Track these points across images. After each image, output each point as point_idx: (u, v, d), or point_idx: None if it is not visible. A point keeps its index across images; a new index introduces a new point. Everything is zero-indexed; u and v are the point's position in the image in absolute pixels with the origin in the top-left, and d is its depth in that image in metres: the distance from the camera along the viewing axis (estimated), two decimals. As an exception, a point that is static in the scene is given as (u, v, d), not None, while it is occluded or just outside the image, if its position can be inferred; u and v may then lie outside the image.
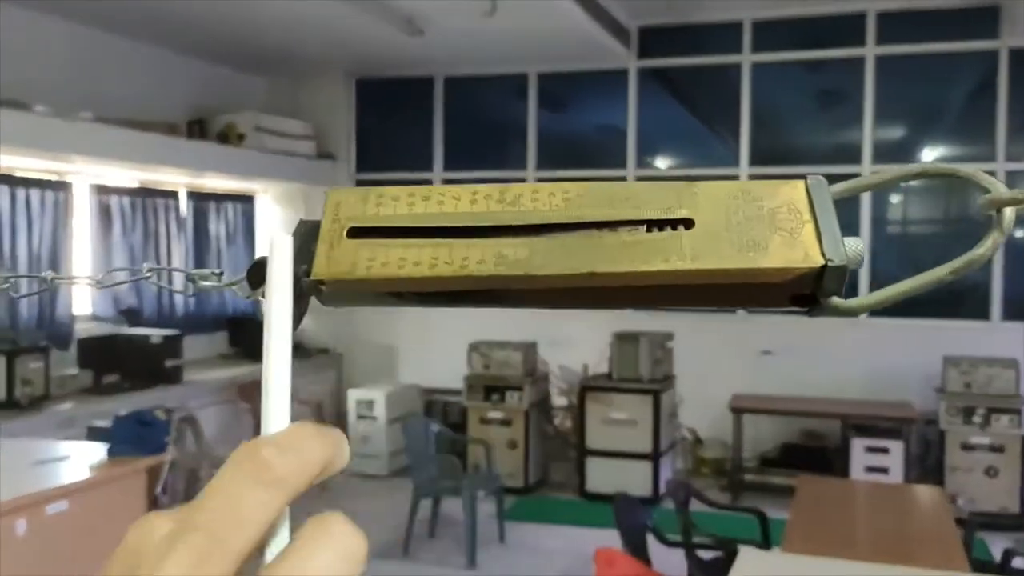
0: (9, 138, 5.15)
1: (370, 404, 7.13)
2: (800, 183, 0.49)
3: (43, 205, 6.04)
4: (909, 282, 0.47)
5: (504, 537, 5.68)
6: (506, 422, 6.63)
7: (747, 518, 4.46)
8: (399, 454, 7.08)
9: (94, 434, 3.94)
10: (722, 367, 7.05)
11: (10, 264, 5.82)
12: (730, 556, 3.63)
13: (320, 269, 0.50)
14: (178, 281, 0.74)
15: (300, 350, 7.83)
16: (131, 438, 3.78)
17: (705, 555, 4.16)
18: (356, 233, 0.50)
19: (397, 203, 0.52)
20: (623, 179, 7.48)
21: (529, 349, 6.76)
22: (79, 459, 3.70)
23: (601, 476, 6.39)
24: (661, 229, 0.47)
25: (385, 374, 7.91)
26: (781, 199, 0.47)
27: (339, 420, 7.69)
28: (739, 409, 6.51)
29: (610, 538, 4.19)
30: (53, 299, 6.11)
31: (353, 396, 7.26)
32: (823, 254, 0.46)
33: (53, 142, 5.49)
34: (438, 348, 7.66)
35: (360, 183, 8.24)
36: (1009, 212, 0.45)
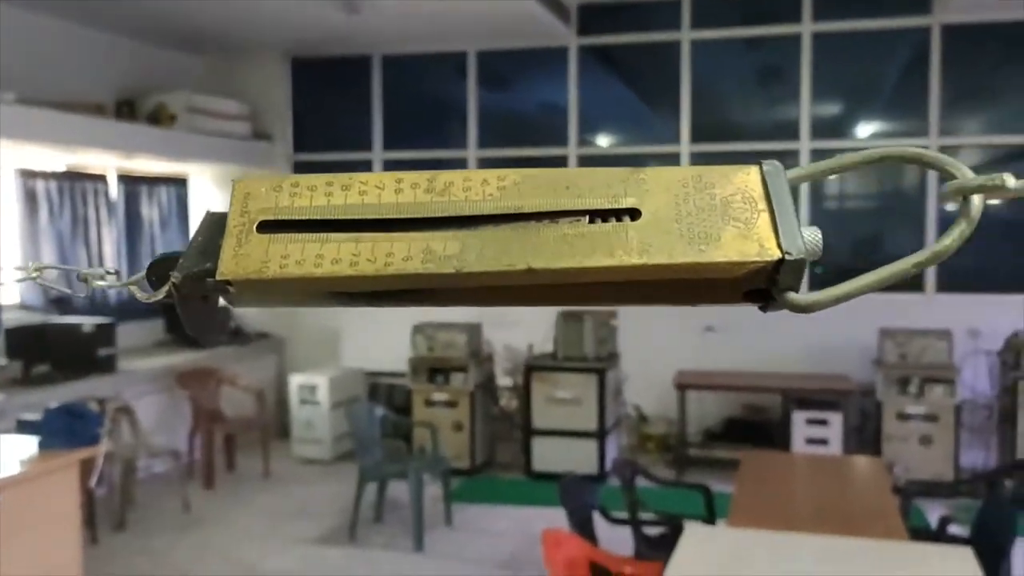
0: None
1: (313, 389, 7.03)
2: (754, 169, 0.44)
3: (-37, 190, 5.78)
4: (873, 275, 0.43)
5: (451, 519, 5.65)
6: (451, 404, 6.59)
7: (692, 493, 4.51)
8: (343, 439, 7.01)
9: (24, 427, 3.79)
10: (666, 344, 7.10)
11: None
12: (676, 532, 3.65)
13: (227, 268, 0.44)
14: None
15: (240, 335, 7.68)
16: (62, 431, 3.65)
17: (652, 531, 4.19)
18: (267, 227, 0.45)
19: (314, 193, 0.47)
20: (565, 158, 7.46)
21: (473, 330, 6.72)
22: (9, 453, 3.56)
23: (547, 455, 6.40)
24: (605, 220, 0.43)
25: (328, 358, 7.80)
26: (735, 187, 0.43)
27: (280, 406, 7.57)
28: (683, 385, 6.57)
29: (557, 517, 4.19)
30: (-23, 288, 5.88)
31: (295, 381, 7.14)
32: (780, 246, 0.42)
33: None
34: (381, 331, 7.57)
35: (298, 164, 8.08)
36: (977, 200, 0.42)
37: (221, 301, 0.55)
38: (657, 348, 7.06)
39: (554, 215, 0.43)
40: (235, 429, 6.75)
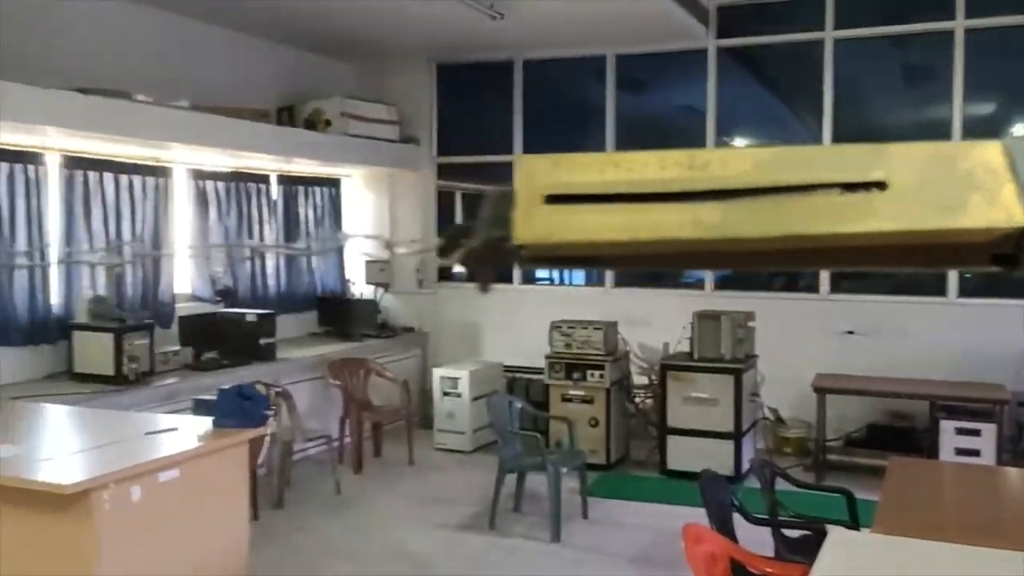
0: (113, 126, 5.41)
1: (454, 382, 7.30)
2: (995, 144, 0.51)
3: (145, 190, 6.32)
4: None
5: (587, 513, 5.77)
6: (587, 400, 6.71)
7: (833, 498, 4.44)
8: (482, 431, 7.24)
9: (200, 407, 4.14)
10: (804, 347, 6.99)
11: (116, 246, 6.12)
12: (818, 535, 3.63)
13: (521, 234, 0.56)
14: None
15: (386, 329, 8.05)
16: (234, 411, 3.96)
17: (792, 534, 4.17)
18: (552, 200, 0.56)
19: (588, 170, 0.58)
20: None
21: (610, 328, 6.81)
22: (187, 430, 3.90)
23: (682, 454, 6.43)
24: (855, 191, 0.50)
25: (469, 352, 8.06)
26: (976, 160, 0.50)
27: (423, 397, 7.88)
28: (822, 389, 6.45)
29: (692, 516, 4.19)
30: (156, 279, 6.41)
31: (438, 374, 7.43)
32: None
33: (153, 129, 5.73)
34: (520, 327, 7.77)
35: (441, 167, 8.39)
36: None
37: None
38: (795, 351, 6.96)
39: (808, 188, 0.52)
40: (382, 417, 7.09)
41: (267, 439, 4.14)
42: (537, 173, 0.55)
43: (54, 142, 5.62)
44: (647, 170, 0.53)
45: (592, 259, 0.57)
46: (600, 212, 0.54)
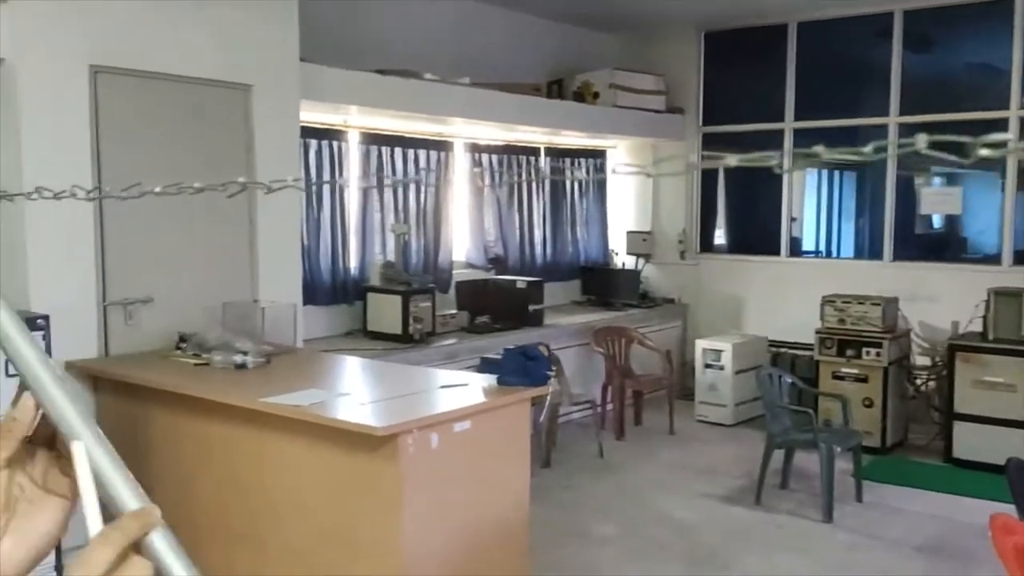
0: (405, 103, 5.85)
1: (717, 354, 7.22)
2: None
3: (428, 163, 6.78)
4: None
5: (861, 496, 5.52)
6: (861, 379, 6.38)
7: None
8: (745, 405, 7.12)
9: (486, 365, 4.41)
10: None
11: (403, 217, 6.63)
12: None
13: None
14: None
15: (647, 298, 8.11)
16: (518, 370, 4.18)
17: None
18: None
19: None
20: (1002, 121, 6.76)
21: (889, 304, 6.42)
22: (475, 386, 4.17)
23: (971, 442, 5.95)
24: None
25: (730, 325, 7.94)
26: None
27: (684, 368, 7.87)
28: None
29: (984, 508, 3.90)
30: (436, 247, 6.88)
31: (700, 345, 7.38)
32: None
33: (438, 106, 6.13)
34: (786, 301, 7.53)
35: (706, 136, 8.26)
36: None
37: None
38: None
39: None
40: (643, 386, 7.18)
41: (547, 398, 4.33)
42: None
43: (354, 120, 6.16)
44: None
45: None
46: None
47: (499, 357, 4.33)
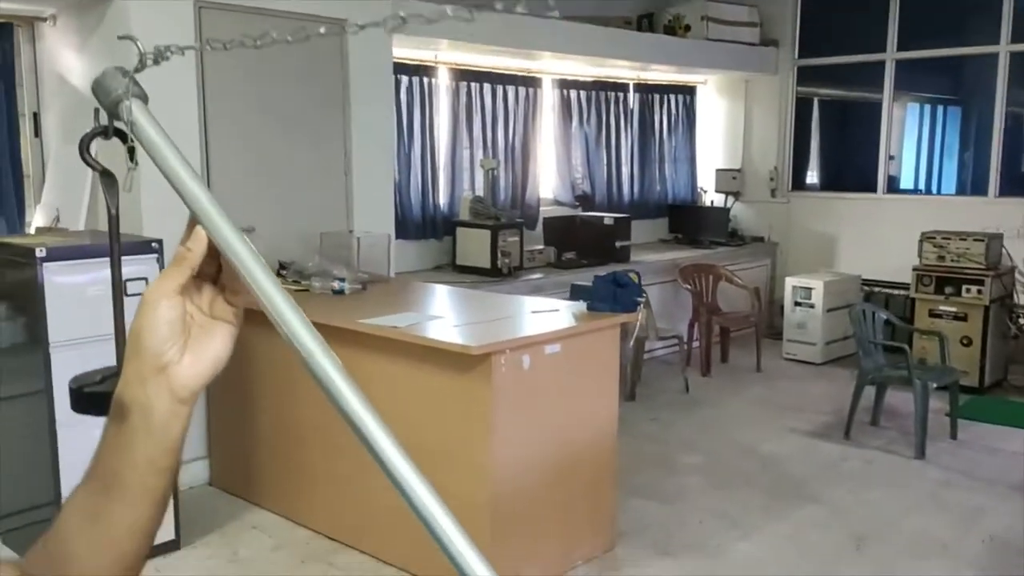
0: (496, 38, 5.85)
1: (808, 292, 7.11)
2: None
3: (517, 99, 6.79)
4: None
5: (956, 434, 5.42)
6: (960, 317, 6.21)
7: None
8: (835, 343, 7.03)
9: (576, 292, 4.48)
10: None
11: (491, 153, 6.68)
12: None
13: None
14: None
15: (736, 237, 8.01)
16: (608, 296, 4.22)
17: None
18: None
19: None
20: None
21: (993, 240, 6.21)
22: (566, 312, 4.24)
23: (1075, 383, 5.75)
24: None
25: (822, 264, 7.79)
26: None
27: (772, 307, 7.78)
28: None
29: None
30: (524, 184, 6.92)
31: (790, 283, 7.27)
32: None
33: (527, 39, 6.11)
34: (881, 239, 7.34)
35: (801, 70, 8.03)
36: None
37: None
38: None
39: None
40: (730, 323, 7.14)
41: (636, 325, 4.37)
42: None
43: (444, 55, 6.21)
44: None
45: None
46: None
47: (589, 284, 4.38)
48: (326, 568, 3.85)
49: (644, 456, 5.13)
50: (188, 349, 0.68)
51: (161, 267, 4.16)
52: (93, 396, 1.40)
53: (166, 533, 3.94)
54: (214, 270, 0.70)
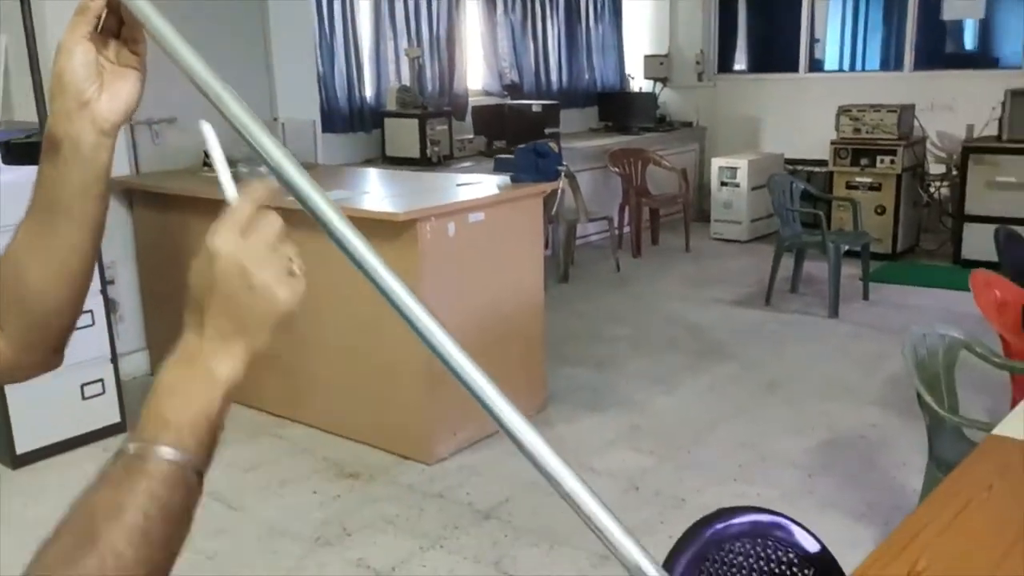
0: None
1: (733, 171, 7.30)
2: None
3: (440, -14, 6.71)
4: None
5: (868, 295, 5.71)
6: (874, 187, 6.47)
7: None
8: (759, 221, 7.26)
9: (499, 164, 4.58)
10: None
11: (415, 43, 6.63)
12: None
13: None
14: None
15: (664, 122, 8.13)
16: (530, 166, 4.34)
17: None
18: None
19: None
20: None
21: (905, 111, 6.43)
22: (490, 183, 4.34)
23: (980, 243, 6.04)
24: None
25: (747, 146, 7.97)
26: None
27: (701, 192, 7.97)
28: None
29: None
30: (451, 74, 6.90)
31: (716, 163, 7.46)
32: None
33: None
34: (804, 118, 7.53)
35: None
36: None
37: None
38: None
39: None
40: (659, 205, 7.32)
41: (558, 193, 4.49)
42: None
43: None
44: None
45: None
46: None
47: (511, 157, 4.48)
48: (275, 440, 3.99)
49: (575, 330, 5.33)
50: (104, 89, 0.78)
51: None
52: (21, 147, 1.51)
53: (112, 416, 4.03)
54: (115, 24, 0.78)
